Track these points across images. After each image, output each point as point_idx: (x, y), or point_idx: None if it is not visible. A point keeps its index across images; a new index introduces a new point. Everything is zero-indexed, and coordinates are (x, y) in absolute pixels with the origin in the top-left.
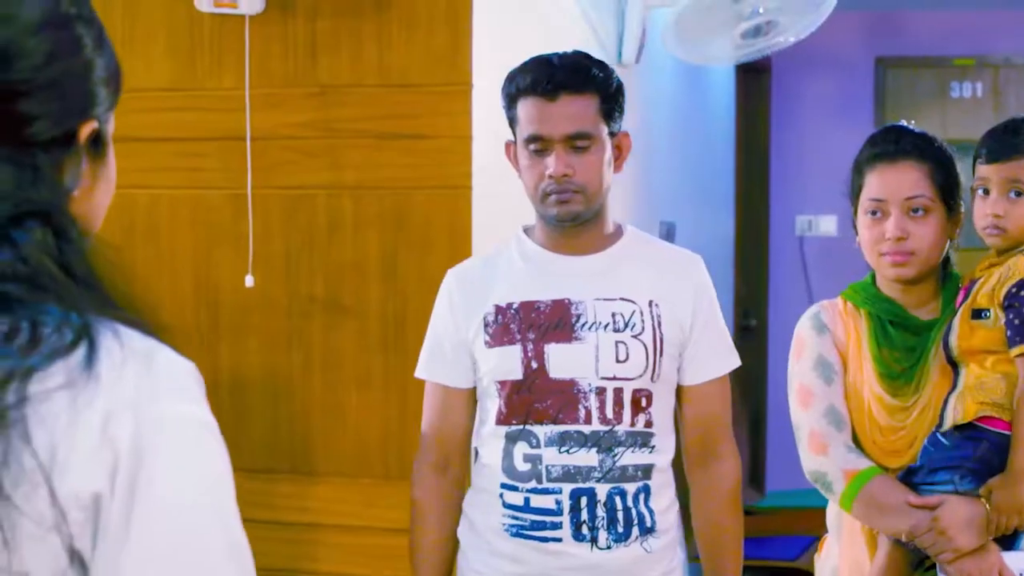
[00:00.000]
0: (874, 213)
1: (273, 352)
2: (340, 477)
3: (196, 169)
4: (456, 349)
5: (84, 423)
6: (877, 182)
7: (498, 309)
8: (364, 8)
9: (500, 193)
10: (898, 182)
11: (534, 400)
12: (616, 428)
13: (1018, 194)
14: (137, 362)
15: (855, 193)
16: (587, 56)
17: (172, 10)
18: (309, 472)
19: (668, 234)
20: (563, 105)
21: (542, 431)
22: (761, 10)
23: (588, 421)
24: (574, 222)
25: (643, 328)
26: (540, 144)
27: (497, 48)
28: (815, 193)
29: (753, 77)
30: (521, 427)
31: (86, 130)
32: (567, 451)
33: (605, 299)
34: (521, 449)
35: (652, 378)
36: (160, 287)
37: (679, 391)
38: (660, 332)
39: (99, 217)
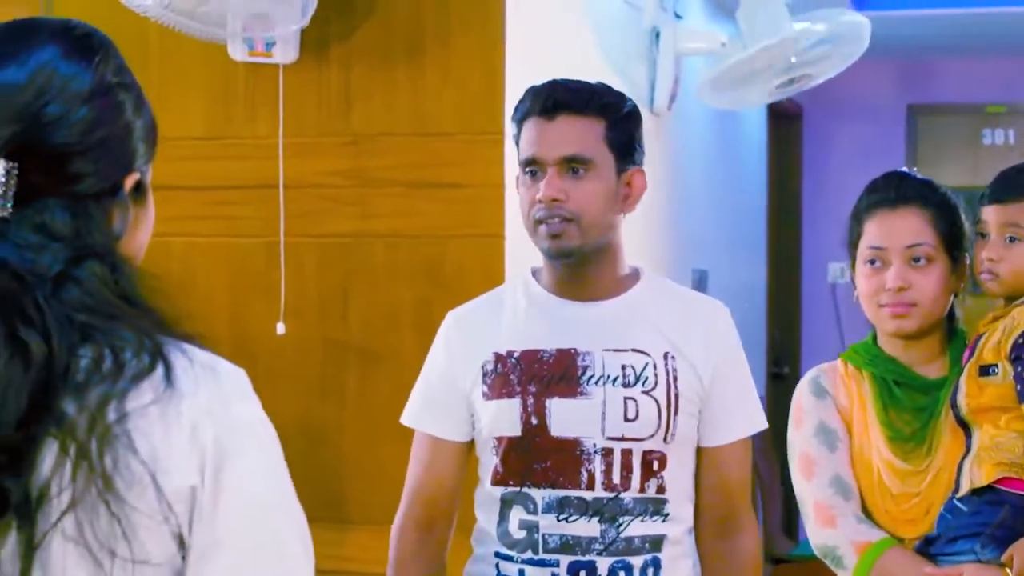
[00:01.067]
0: (873, 262)
1: (306, 400)
2: (374, 525)
3: (230, 217)
4: (450, 398)
5: (176, 431)
6: (876, 230)
7: (498, 357)
8: (398, 57)
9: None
10: (899, 229)
11: (532, 460)
12: (622, 495)
13: (1013, 239)
14: (206, 374)
15: (853, 243)
16: (603, 84)
17: (207, 59)
18: (343, 520)
19: (700, 282)
20: (561, 125)
21: (540, 495)
22: (794, 59)
23: (591, 486)
24: (570, 259)
25: (656, 383)
26: (534, 166)
27: None
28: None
29: (785, 124)
30: (518, 489)
31: (130, 181)
32: (566, 519)
33: (615, 350)
34: (517, 514)
35: (666, 438)
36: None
37: (697, 453)
38: (676, 388)
39: (141, 254)
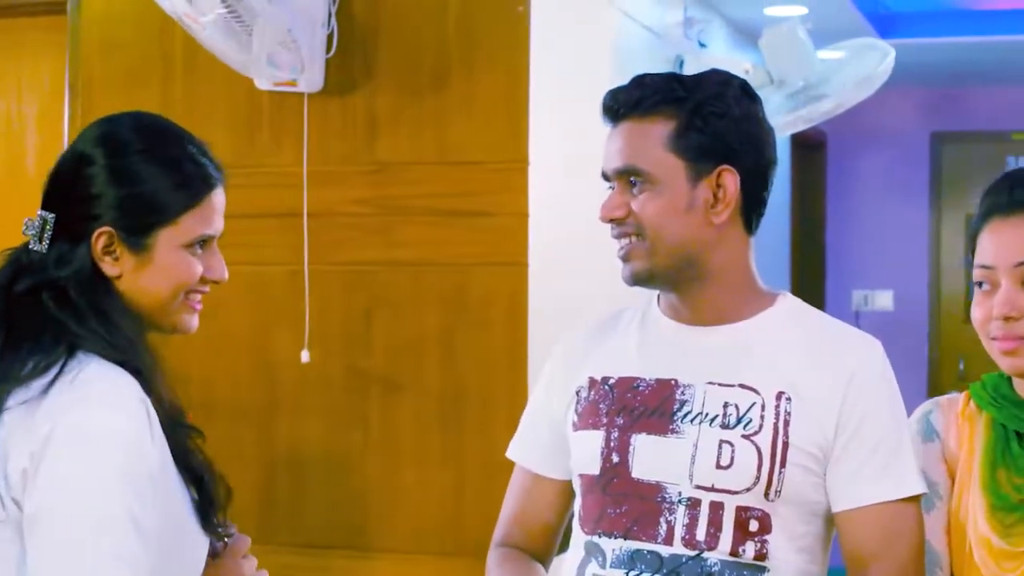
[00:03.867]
0: (981, 284)
1: (331, 428)
2: (397, 554)
3: (254, 245)
4: (550, 428)
5: (28, 423)
6: (987, 244)
7: (592, 383)
8: (422, 86)
9: (558, 270)
10: (1010, 243)
11: (607, 504)
12: (706, 555)
13: None
14: (77, 383)
15: (970, 262)
16: (676, 75)
17: (232, 88)
18: (366, 548)
19: None
20: (622, 132)
21: (611, 547)
22: (802, 83)
23: (668, 541)
24: (649, 285)
25: (760, 427)
26: (607, 181)
27: (555, 126)
28: (872, 268)
29: (809, 151)
30: (592, 538)
31: (96, 235)
32: None
33: (720, 384)
34: (592, 568)
35: (768, 494)
36: (217, 363)
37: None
38: (785, 435)
39: (151, 295)
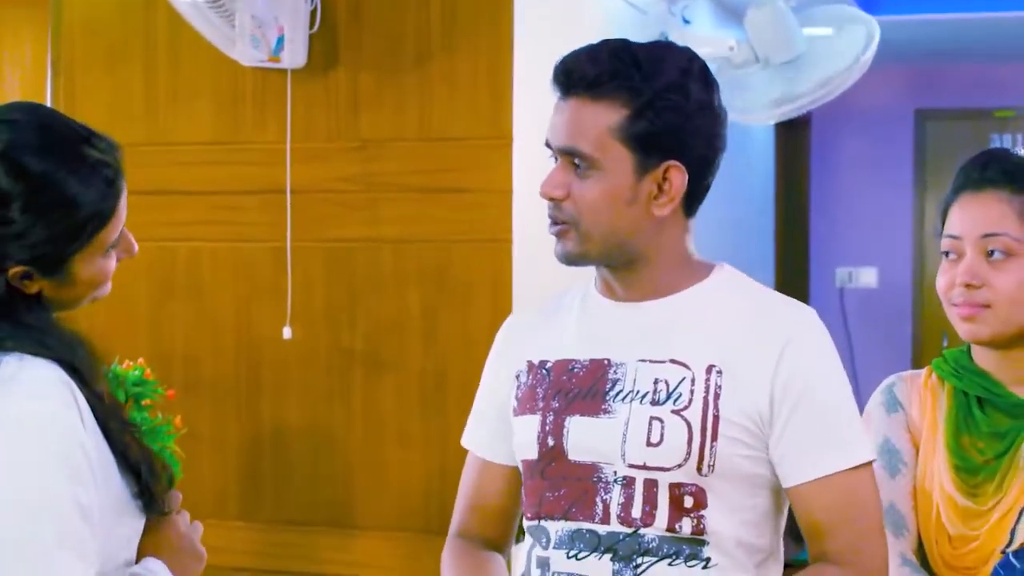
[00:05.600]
0: (947, 254)
1: (313, 405)
2: (381, 530)
3: (237, 222)
4: (497, 414)
5: None
6: (956, 216)
7: (530, 367)
8: (405, 63)
9: (541, 247)
10: (976, 216)
11: (546, 488)
12: (642, 531)
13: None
14: (6, 380)
15: (939, 233)
16: (655, 52)
17: (215, 65)
18: (350, 525)
19: None
20: (570, 108)
21: (554, 528)
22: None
23: (605, 520)
24: (578, 265)
25: (690, 402)
26: (551, 152)
27: (537, 103)
28: (855, 245)
29: (792, 129)
30: (536, 523)
31: (13, 272)
32: (575, 556)
33: (651, 361)
34: (536, 551)
35: (700, 469)
36: (200, 339)
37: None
38: (715, 409)
39: (72, 300)
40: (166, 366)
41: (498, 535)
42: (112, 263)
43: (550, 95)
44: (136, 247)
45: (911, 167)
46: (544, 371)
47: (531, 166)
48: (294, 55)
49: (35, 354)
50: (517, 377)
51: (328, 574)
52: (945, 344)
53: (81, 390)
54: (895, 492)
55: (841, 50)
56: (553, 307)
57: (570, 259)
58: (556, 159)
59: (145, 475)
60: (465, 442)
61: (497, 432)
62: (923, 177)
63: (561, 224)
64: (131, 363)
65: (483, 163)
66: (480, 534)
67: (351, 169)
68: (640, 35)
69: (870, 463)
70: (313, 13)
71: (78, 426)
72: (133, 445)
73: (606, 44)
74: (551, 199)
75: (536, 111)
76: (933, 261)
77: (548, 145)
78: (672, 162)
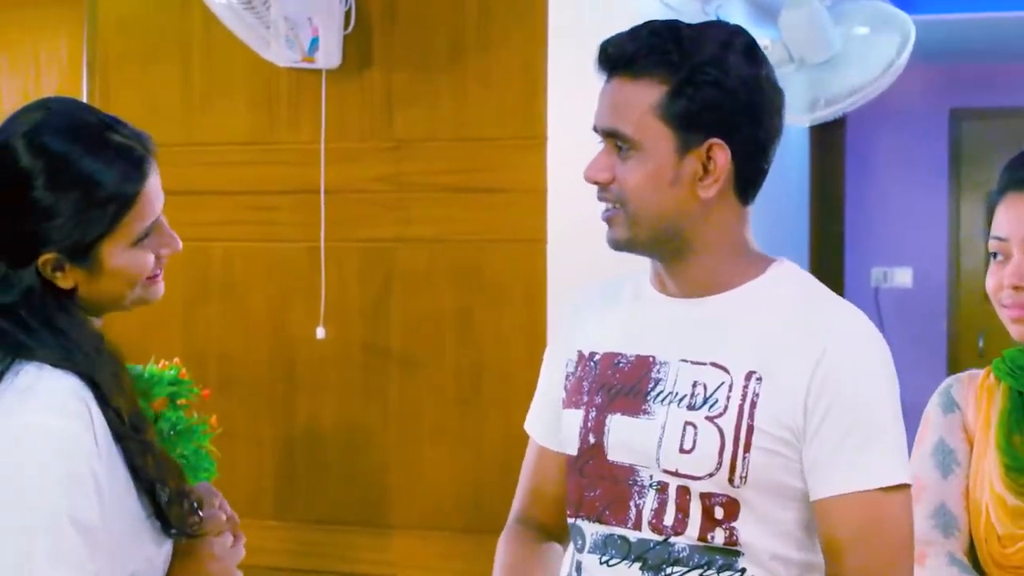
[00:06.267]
0: (995, 255)
1: (347, 404)
2: (415, 529)
3: (271, 222)
4: (553, 400)
5: None
6: (1002, 217)
7: (580, 358)
8: (439, 63)
9: (576, 246)
10: (1022, 216)
11: (585, 486)
12: (672, 540)
13: None
14: (18, 390)
15: (988, 233)
16: (682, 27)
17: (250, 65)
18: (384, 524)
19: None
20: (612, 90)
21: (588, 530)
22: (821, 61)
23: (637, 526)
24: (627, 251)
25: (725, 409)
26: (598, 135)
27: (571, 102)
28: (890, 245)
29: (827, 130)
30: (574, 520)
31: (43, 259)
32: (607, 562)
33: (692, 362)
34: (573, 553)
35: (732, 480)
36: (235, 339)
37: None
38: (751, 417)
39: (110, 296)
40: (201, 366)
41: (557, 522)
42: (148, 257)
43: (584, 94)
44: (179, 242)
45: (946, 167)
46: (592, 363)
47: (565, 165)
48: (328, 55)
49: (56, 365)
50: (567, 367)
51: (362, 573)
52: (981, 344)
53: (100, 406)
54: (947, 492)
55: (876, 52)
56: (611, 293)
57: (619, 245)
58: (602, 143)
59: (160, 496)
60: (527, 426)
61: (552, 419)
62: (958, 177)
63: (610, 207)
64: (166, 363)
65: (517, 163)
66: (538, 520)
67: (385, 169)
68: None
69: (905, 486)
70: (347, 13)
71: (88, 442)
72: (150, 466)
73: (648, 23)
74: (595, 182)
75: (570, 110)
76: (968, 261)
77: (595, 130)
78: (715, 140)
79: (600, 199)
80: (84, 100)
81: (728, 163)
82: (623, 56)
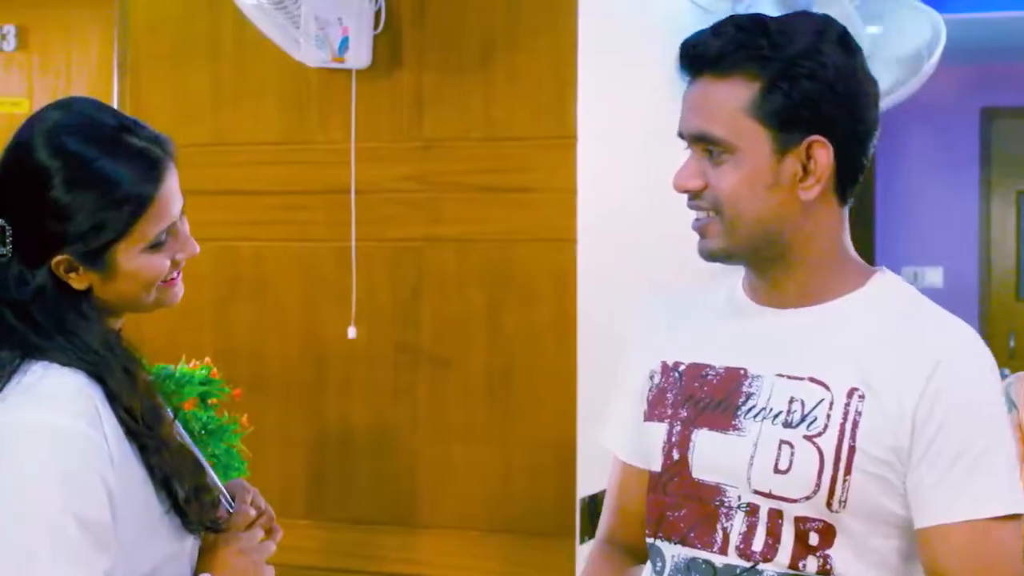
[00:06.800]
0: None
1: (377, 404)
2: (444, 529)
3: (302, 222)
4: (633, 413)
5: None
6: None
7: (664, 368)
8: (469, 62)
9: (606, 246)
10: None
11: (667, 505)
12: (761, 567)
13: None
14: (22, 389)
15: None
16: (768, 20)
17: (280, 65)
18: (414, 524)
19: None
20: (699, 90)
21: (669, 552)
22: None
23: (723, 550)
24: (723, 262)
25: (825, 427)
26: (684, 141)
27: (602, 101)
28: (921, 244)
29: None
30: (653, 540)
31: (56, 261)
32: None
33: (789, 376)
34: (649, 573)
35: (831, 504)
36: (265, 339)
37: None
38: (852, 438)
39: (125, 297)
40: (231, 365)
41: (643, 542)
42: (163, 262)
43: (614, 93)
44: (196, 247)
45: (977, 166)
46: (676, 374)
47: (595, 165)
48: (358, 55)
49: (65, 364)
50: (651, 378)
51: (392, 572)
52: (1012, 344)
53: (110, 404)
54: None
55: (907, 52)
56: (696, 300)
57: (714, 255)
58: (688, 149)
59: (178, 493)
60: (609, 443)
61: (635, 433)
62: (989, 176)
63: (704, 215)
64: (197, 362)
65: (547, 162)
66: (624, 540)
67: (415, 168)
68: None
69: (1016, 516)
70: (377, 14)
71: (95, 438)
72: (166, 462)
73: (731, 18)
74: (686, 191)
75: (600, 109)
76: (999, 261)
77: (680, 136)
78: (815, 137)
79: (691, 207)
80: (115, 100)
81: (831, 161)
82: (709, 54)
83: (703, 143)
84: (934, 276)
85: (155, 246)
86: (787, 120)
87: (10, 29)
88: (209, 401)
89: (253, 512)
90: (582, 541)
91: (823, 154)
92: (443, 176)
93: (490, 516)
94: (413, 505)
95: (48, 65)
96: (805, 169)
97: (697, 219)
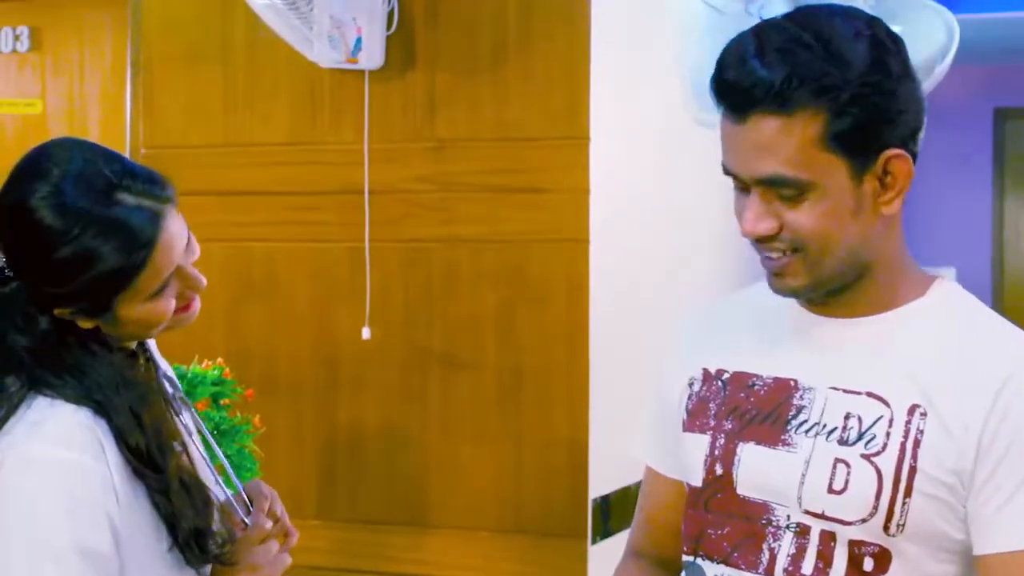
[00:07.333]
0: None
1: (390, 405)
2: (456, 530)
3: (314, 222)
4: (670, 423)
5: None
6: None
7: (705, 376)
8: (482, 63)
9: (619, 247)
10: None
11: (709, 523)
12: None
13: None
14: (28, 424)
15: None
16: (806, 37)
17: (293, 66)
18: (425, 524)
19: None
20: (755, 130)
21: (711, 572)
22: None
23: (769, 572)
24: (800, 297)
25: (884, 446)
26: (736, 180)
27: (615, 101)
28: (934, 246)
29: None
30: (692, 559)
31: (58, 312)
32: None
33: (844, 390)
34: None
35: (888, 528)
36: (278, 339)
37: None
38: (913, 458)
39: (132, 335)
40: (244, 366)
41: (675, 555)
42: (168, 304)
43: (628, 93)
44: (203, 281)
45: (990, 167)
46: (720, 383)
47: (608, 165)
48: (371, 56)
49: (70, 400)
50: (690, 385)
51: (404, 573)
52: None
53: (116, 440)
54: None
55: (921, 52)
56: (740, 304)
57: (796, 293)
58: (740, 189)
59: (178, 528)
60: (640, 454)
61: (668, 443)
62: (1002, 177)
63: (780, 255)
64: (210, 363)
65: (560, 163)
66: (655, 553)
67: (428, 169)
68: (719, 34)
69: None
70: (390, 14)
71: (99, 472)
72: (170, 503)
73: (766, 38)
74: (760, 238)
75: (613, 110)
76: (1012, 263)
77: (728, 173)
78: (891, 152)
79: (765, 249)
80: (127, 101)
81: (909, 168)
82: (763, 92)
83: (774, 187)
84: (946, 276)
85: (157, 293)
86: (860, 143)
87: (23, 30)
88: (221, 402)
89: (268, 524)
90: (594, 542)
91: (901, 165)
92: (456, 177)
93: (501, 517)
94: (425, 505)
95: (61, 66)
96: (882, 183)
97: (771, 258)
